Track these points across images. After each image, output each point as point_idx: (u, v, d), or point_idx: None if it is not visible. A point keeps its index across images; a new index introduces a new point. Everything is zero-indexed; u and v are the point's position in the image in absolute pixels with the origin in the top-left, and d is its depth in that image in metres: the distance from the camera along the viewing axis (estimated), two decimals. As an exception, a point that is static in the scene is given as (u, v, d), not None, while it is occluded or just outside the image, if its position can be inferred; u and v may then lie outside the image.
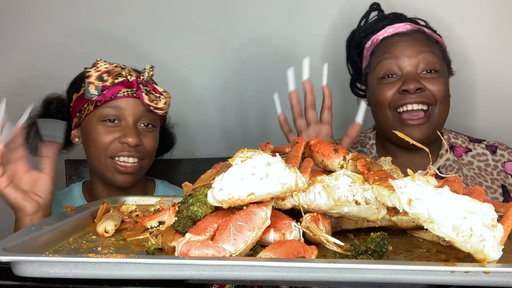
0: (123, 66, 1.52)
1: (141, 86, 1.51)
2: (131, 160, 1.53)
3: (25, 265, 0.74)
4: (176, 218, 0.87)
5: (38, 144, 1.53)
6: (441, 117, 1.55)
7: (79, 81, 1.56)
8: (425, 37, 1.58)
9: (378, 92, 1.57)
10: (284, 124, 1.51)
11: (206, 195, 0.85)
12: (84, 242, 0.93)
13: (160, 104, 1.53)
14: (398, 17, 1.69)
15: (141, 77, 1.52)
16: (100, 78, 1.48)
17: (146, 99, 1.50)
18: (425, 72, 1.53)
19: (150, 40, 2.12)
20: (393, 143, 1.64)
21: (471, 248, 0.73)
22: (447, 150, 1.63)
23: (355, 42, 1.73)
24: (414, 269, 0.71)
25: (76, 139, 1.61)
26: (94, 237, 0.97)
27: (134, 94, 1.51)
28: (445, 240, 0.83)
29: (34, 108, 1.63)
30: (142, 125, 1.55)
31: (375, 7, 1.74)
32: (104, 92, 1.48)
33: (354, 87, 1.81)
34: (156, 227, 1.00)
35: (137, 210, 1.15)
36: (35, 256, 0.77)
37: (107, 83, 1.48)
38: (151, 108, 1.52)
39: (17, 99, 2.00)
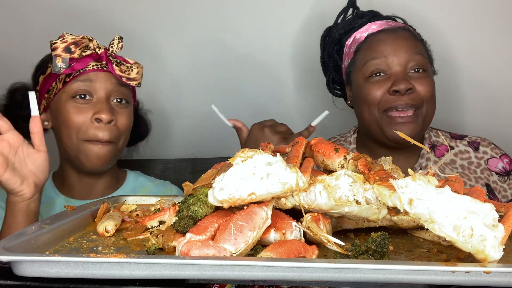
0: (91, 38, 1.44)
1: (110, 58, 1.45)
2: (106, 137, 1.43)
3: (25, 264, 0.74)
4: (177, 218, 0.87)
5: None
6: (428, 116, 1.54)
7: (45, 63, 1.50)
8: (413, 35, 1.57)
9: (367, 91, 1.53)
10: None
11: (206, 195, 0.85)
12: (85, 241, 0.93)
13: (133, 74, 1.45)
14: (375, 15, 1.66)
15: (110, 49, 1.45)
16: (67, 49, 1.40)
17: (117, 70, 1.43)
18: (413, 71, 1.52)
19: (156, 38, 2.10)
20: (377, 143, 1.61)
21: (472, 248, 0.73)
22: (427, 152, 1.61)
23: (333, 39, 1.70)
24: (415, 269, 0.71)
25: (45, 123, 1.52)
26: (94, 236, 0.97)
27: (104, 68, 1.44)
28: (445, 240, 0.83)
29: None
30: (115, 100, 1.47)
31: (351, 3, 1.71)
32: (72, 64, 1.41)
33: (330, 86, 1.77)
34: (156, 227, 1.00)
35: (137, 209, 1.15)
36: (35, 256, 0.77)
37: (75, 55, 1.40)
38: (124, 79, 1.44)
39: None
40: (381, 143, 1.59)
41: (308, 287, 0.80)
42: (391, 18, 1.66)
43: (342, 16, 1.71)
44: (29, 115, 1.35)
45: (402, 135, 0.93)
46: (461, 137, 1.66)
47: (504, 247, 0.74)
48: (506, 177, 1.60)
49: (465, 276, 0.71)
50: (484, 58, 2.00)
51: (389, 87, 1.50)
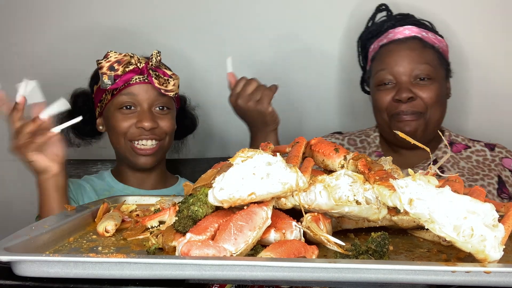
0: (132, 55, 1.61)
1: (151, 72, 1.61)
2: (149, 143, 1.63)
3: (25, 264, 0.74)
4: (177, 218, 0.87)
5: (70, 137, 1.75)
6: (433, 119, 1.64)
7: (97, 74, 1.66)
8: (421, 45, 1.66)
9: (376, 97, 1.68)
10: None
11: (206, 195, 0.85)
12: (85, 241, 0.93)
13: (169, 87, 1.62)
14: (404, 18, 1.73)
15: (150, 63, 1.61)
16: (111, 68, 1.58)
17: (156, 83, 1.60)
18: (418, 79, 1.62)
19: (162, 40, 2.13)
20: (394, 144, 1.73)
21: (472, 248, 0.73)
22: (446, 146, 1.70)
23: (362, 45, 1.82)
24: (415, 269, 0.71)
25: (100, 127, 1.73)
26: (94, 236, 0.97)
27: (146, 80, 1.61)
28: (446, 240, 0.83)
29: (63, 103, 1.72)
30: (157, 108, 1.65)
31: (382, 8, 1.79)
32: (117, 80, 1.59)
33: (363, 85, 1.88)
34: (156, 227, 1.00)
35: (137, 209, 1.15)
36: (35, 256, 0.77)
37: (119, 72, 1.58)
38: (162, 91, 1.61)
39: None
40: (397, 144, 1.71)
41: (308, 287, 0.80)
42: (419, 22, 1.73)
43: (371, 21, 1.81)
44: (90, 117, 1.69)
45: (402, 135, 0.93)
46: (478, 141, 1.78)
47: (504, 247, 0.74)
48: None
49: (465, 276, 0.71)
50: (494, 59, 2.02)
51: (393, 95, 1.63)
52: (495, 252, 0.72)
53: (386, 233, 0.81)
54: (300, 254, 0.78)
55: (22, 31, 2.20)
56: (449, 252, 0.87)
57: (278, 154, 0.84)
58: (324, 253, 0.85)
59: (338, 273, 0.72)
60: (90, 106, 1.74)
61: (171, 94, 1.63)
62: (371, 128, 1.84)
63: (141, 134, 1.62)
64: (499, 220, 0.74)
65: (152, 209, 1.10)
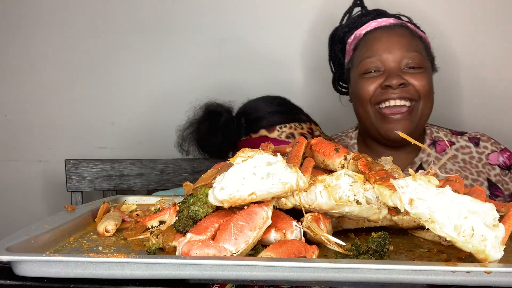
0: None
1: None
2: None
3: (26, 264, 0.74)
4: (177, 218, 0.87)
5: (189, 148, 1.59)
6: (424, 113, 1.54)
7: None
8: (409, 33, 1.57)
9: (360, 86, 1.55)
10: None
11: (207, 195, 0.85)
12: (85, 241, 0.93)
13: None
14: (381, 13, 1.67)
15: None
16: None
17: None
18: (408, 68, 1.52)
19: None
20: (375, 140, 1.62)
21: (473, 248, 0.73)
22: (429, 146, 1.62)
23: (338, 38, 1.72)
24: (415, 269, 0.71)
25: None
26: (94, 236, 0.97)
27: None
28: (446, 240, 0.83)
29: (193, 113, 1.62)
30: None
31: (358, 2, 1.73)
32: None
33: (336, 84, 1.79)
34: (156, 227, 1.00)
35: (137, 209, 1.15)
36: (36, 256, 0.77)
37: None
38: None
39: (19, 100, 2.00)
40: (377, 141, 1.60)
41: (308, 287, 0.79)
42: (396, 16, 1.67)
43: (348, 16, 1.73)
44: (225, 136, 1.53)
45: (402, 135, 0.92)
46: (461, 133, 1.68)
47: (504, 247, 0.74)
48: (507, 171, 1.61)
49: (466, 276, 0.71)
50: (484, 56, 2.02)
51: (381, 82, 1.51)
52: (496, 252, 0.72)
53: (386, 233, 0.81)
54: (300, 254, 0.78)
55: (21, 32, 2.19)
56: (449, 252, 0.87)
57: (278, 154, 0.84)
58: (325, 253, 0.85)
59: (338, 273, 0.72)
60: (232, 124, 1.57)
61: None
62: (346, 131, 1.75)
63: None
64: (500, 220, 0.74)
65: (152, 209, 1.10)
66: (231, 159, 0.84)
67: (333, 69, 1.78)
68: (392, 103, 1.50)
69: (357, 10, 1.74)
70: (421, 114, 1.53)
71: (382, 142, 1.59)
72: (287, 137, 1.48)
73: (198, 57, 2.11)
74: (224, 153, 1.59)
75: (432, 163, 1.59)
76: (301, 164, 0.96)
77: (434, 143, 1.64)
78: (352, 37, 1.65)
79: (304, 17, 2.06)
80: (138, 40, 2.14)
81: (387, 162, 1.05)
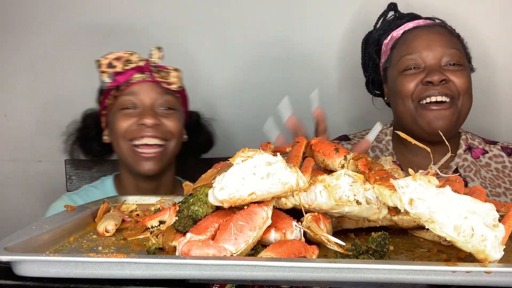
0: (132, 52, 1.55)
1: (151, 68, 1.55)
2: (151, 141, 1.53)
3: (25, 264, 0.74)
4: (177, 218, 0.87)
5: (76, 151, 1.74)
6: (464, 108, 1.53)
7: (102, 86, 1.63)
8: (447, 31, 1.58)
9: (400, 83, 1.55)
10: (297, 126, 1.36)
11: (207, 195, 0.85)
12: (85, 241, 0.93)
13: (170, 78, 1.55)
14: (415, 16, 1.69)
15: (150, 60, 1.56)
16: (110, 65, 1.52)
17: (157, 77, 1.54)
18: (448, 65, 1.53)
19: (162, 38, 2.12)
20: (413, 136, 1.61)
21: (473, 248, 0.73)
22: (465, 151, 1.62)
23: (373, 40, 1.74)
24: (415, 269, 0.71)
25: (105, 137, 1.66)
26: (94, 236, 0.97)
27: (148, 78, 1.55)
28: (446, 240, 0.83)
29: (72, 122, 1.75)
30: (162, 108, 1.57)
31: (392, 7, 1.75)
32: (117, 77, 1.52)
33: (369, 87, 1.81)
34: (156, 227, 1.00)
35: (137, 209, 1.15)
36: (35, 256, 0.77)
37: (118, 69, 1.52)
38: (163, 84, 1.54)
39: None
40: (416, 137, 1.57)
41: (308, 287, 0.79)
42: (431, 19, 1.68)
43: (382, 19, 1.75)
44: (95, 135, 1.67)
45: (403, 135, 0.93)
46: (494, 143, 1.69)
47: (504, 247, 0.74)
48: None
49: (466, 276, 0.71)
50: (497, 58, 2.01)
51: (422, 78, 1.51)
52: (496, 252, 0.72)
53: (386, 233, 0.81)
54: (300, 254, 0.78)
55: (20, 32, 2.19)
56: (449, 252, 0.87)
57: (278, 154, 0.84)
58: (325, 253, 0.85)
59: (338, 273, 0.72)
60: (99, 125, 1.68)
61: (174, 86, 1.55)
62: (381, 130, 1.74)
63: (142, 130, 1.51)
64: (500, 220, 0.74)
65: (152, 209, 1.10)
66: (231, 159, 0.84)
67: (367, 72, 1.79)
68: (433, 99, 1.50)
69: (391, 14, 1.76)
70: (461, 110, 1.53)
71: (421, 138, 1.55)
72: None
73: (234, 59, 2.14)
74: (104, 149, 1.70)
75: (468, 168, 1.59)
76: (301, 164, 0.96)
77: (469, 148, 1.65)
78: (389, 37, 1.67)
79: (339, 21, 2.10)
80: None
81: (387, 162, 1.05)
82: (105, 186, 1.68)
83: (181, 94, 1.64)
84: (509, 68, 2.00)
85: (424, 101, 1.51)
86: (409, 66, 1.54)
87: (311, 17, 2.11)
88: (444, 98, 1.49)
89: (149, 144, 1.53)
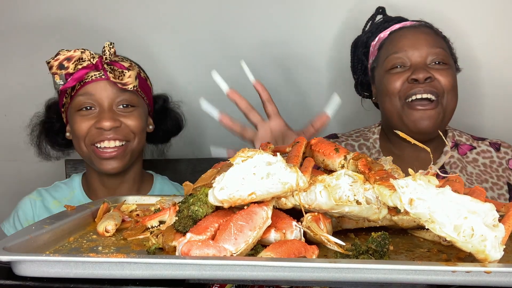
0: (83, 50, 1.46)
1: (105, 66, 1.47)
2: (111, 144, 1.48)
3: (25, 264, 0.74)
4: (177, 218, 0.87)
5: (48, 150, 1.67)
6: (449, 107, 1.55)
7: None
8: (433, 32, 1.61)
9: (387, 81, 1.57)
10: (233, 124, 1.43)
11: (206, 195, 0.85)
12: (85, 241, 0.93)
13: (125, 79, 1.46)
14: (402, 20, 1.71)
15: (104, 57, 1.47)
16: (61, 66, 1.44)
17: (111, 77, 1.45)
18: (433, 63, 1.55)
19: (150, 39, 2.12)
20: (399, 136, 1.63)
21: (473, 248, 0.73)
22: (452, 148, 1.64)
23: (361, 43, 1.77)
24: (415, 269, 0.71)
25: (67, 134, 1.61)
26: (94, 236, 0.97)
27: (102, 76, 1.47)
28: (446, 240, 0.83)
29: (36, 114, 1.68)
30: (121, 106, 1.50)
31: (380, 10, 1.78)
32: (69, 79, 1.44)
33: (358, 88, 1.84)
34: (156, 227, 1.00)
35: (137, 209, 1.15)
36: (35, 256, 0.77)
37: (69, 70, 1.44)
38: (119, 85, 1.46)
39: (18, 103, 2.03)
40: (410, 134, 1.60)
41: (308, 287, 0.80)
42: (418, 22, 1.70)
43: (370, 23, 1.78)
44: (59, 128, 1.60)
45: (402, 135, 0.93)
46: (482, 139, 1.71)
47: (504, 247, 0.74)
48: None
49: (466, 276, 0.71)
50: (507, 58, 2.02)
51: (408, 76, 1.54)
52: (496, 252, 0.72)
53: (386, 233, 0.81)
54: (300, 254, 0.78)
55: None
56: (449, 252, 0.87)
57: (278, 154, 0.84)
58: (325, 253, 0.85)
59: (338, 273, 0.72)
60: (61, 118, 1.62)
61: (129, 87, 1.46)
62: (369, 127, 1.78)
63: (100, 135, 1.47)
64: (500, 220, 0.74)
65: (152, 209, 1.10)
66: (231, 159, 0.84)
67: (356, 74, 1.82)
68: (419, 96, 1.52)
69: (379, 18, 1.78)
70: (446, 108, 1.55)
71: (410, 135, 1.57)
72: None
73: (228, 59, 2.11)
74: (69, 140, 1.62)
75: (454, 164, 1.60)
76: (301, 164, 0.96)
77: (456, 145, 1.68)
78: (376, 39, 1.70)
79: (330, 25, 2.10)
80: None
81: (387, 162, 1.05)
82: (73, 183, 1.66)
83: (141, 89, 1.56)
84: (492, 67, 2.02)
85: (410, 99, 1.53)
86: (396, 65, 1.56)
87: (302, 20, 2.11)
88: (429, 96, 1.51)
89: (110, 146, 1.49)
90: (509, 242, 0.85)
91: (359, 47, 1.78)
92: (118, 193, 1.57)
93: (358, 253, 0.80)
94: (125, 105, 1.50)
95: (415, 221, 0.94)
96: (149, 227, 1.00)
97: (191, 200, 0.87)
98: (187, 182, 1.03)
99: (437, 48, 1.55)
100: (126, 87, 1.47)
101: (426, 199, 0.73)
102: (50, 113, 1.65)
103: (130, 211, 1.14)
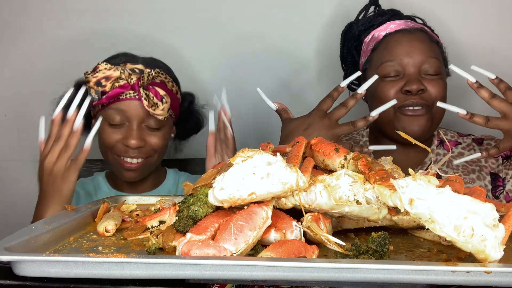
0: (122, 70, 1.53)
1: (141, 90, 1.53)
2: (134, 160, 1.59)
3: (25, 264, 0.74)
4: (177, 218, 0.87)
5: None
6: (437, 115, 1.59)
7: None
8: (428, 38, 1.61)
9: (380, 90, 1.59)
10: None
11: (207, 195, 0.85)
12: (85, 241, 0.93)
13: (158, 111, 1.55)
14: (396, 13, 1.70)
15: (141, 81, 1.54)
16: (98, 83, 1.52)
17: (145, 104, 1.53)
18: (426, 74, 1.57)
19: (150, 38, 2.12)
20: (389, 138, 1.66)
21: (473, 248, 0.73)
22: (437, 146, 1.67)
23: (353, 35, 1.75)
24: (415, 269, 0.71)
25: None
26: (94, 236, 0.97)
27: (136, 96, 1.54)
28: (446, 240, 0.83)
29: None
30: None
31: (373, 1, 1.76)
32: (103, 97, 1.53)
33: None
34: (156, 227, 1.00)
35: (137, 209, 1.15)
36: (35, 256, 0.77)
37: (106, 88, 1.52)
38: (150, 113, 1.55)
39: (18, 100, 2.05)
40: (393, 139, 1.63)
41: (308, 287, 0.80)
42: (411, 18, 1.70)
43: (363, 13, 1.77)
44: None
45: (403, 135, 0.93)
46: (467, 135, 1.74)
47: (504, 247, 0.74)
48: (506, 161, 1.65)
49: (466, 276, 0.71)
50: (495, 59, 2.01)
51: (401, 86, 1.56)
52: (496, 252, 0.72)
53: (386, 233, 0.81)
54: (300, 254, 0.78)
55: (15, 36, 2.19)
56: (449, 252, 0.87)
57: (278, 154, 0.84)
58: (325, 253, 0.85)
59: (338, 273, 0.72)
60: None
61: (160, 117, 1.55)
62: (358, 131, 1.77)
63: (127, 151, 1.57)
64: (500, 220, 0.74)
65: (152, 209, 1.10)
66: (231, 159, 0.84)
67: (346, 66, 1.80)
68: (411, 108, 1.56)
69: (372, 10, 1.77)
70: (434, 116, 1.58)
71: (396, 140, 1.61)
72: None
73: (220, 54, 2.13)
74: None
75: (441, 161, 1.62)
76: (301, 164, 0.96)
77: (441, 143, 1.70)
78: (370, 37, 1.68)
79: (318, 16, 2.08)
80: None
81: (387, 162, 1.05)
82: (98, 181, 1.74)
83: (170, 107, 1.63)
84: (481, 66, 2.02)
85: (402, 109, 1.57)
86: (389, 74, 1.58)
87: (290, 8, 2.09)
88: (419, 107, 1.56)
89: (132, 162, 1.59)
90: (509, 242, 0.85)
91: (350, 39, 1.76)
92: (140, 188, 1.70)
93: (358, 253, 0.80)
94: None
95: (415, 221, 0.94)
96: (149, 227, 1.00)
97: (191, 200, 0.87)
98: (187, 182, 1.02)
99: (431, 58, 1.57)
100: (157, 117, 1.56)
101: (426, 199, 0.73)
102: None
103: (130, 211, 1.14)
